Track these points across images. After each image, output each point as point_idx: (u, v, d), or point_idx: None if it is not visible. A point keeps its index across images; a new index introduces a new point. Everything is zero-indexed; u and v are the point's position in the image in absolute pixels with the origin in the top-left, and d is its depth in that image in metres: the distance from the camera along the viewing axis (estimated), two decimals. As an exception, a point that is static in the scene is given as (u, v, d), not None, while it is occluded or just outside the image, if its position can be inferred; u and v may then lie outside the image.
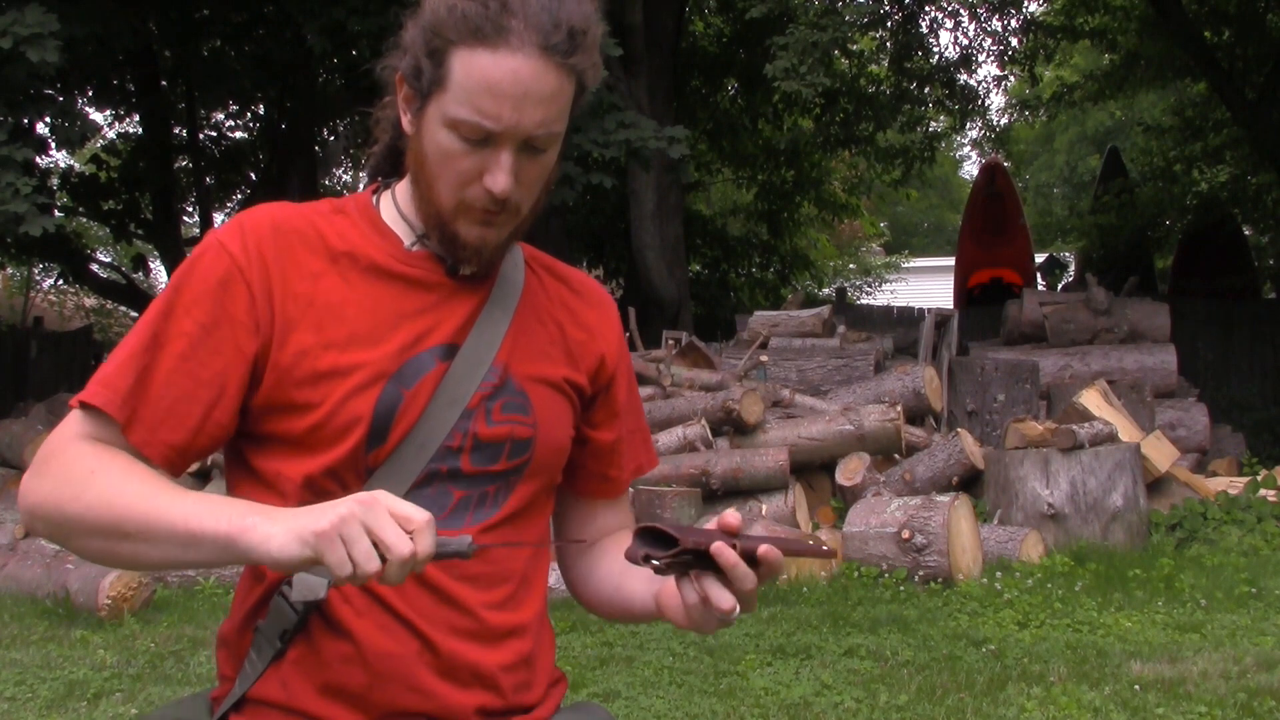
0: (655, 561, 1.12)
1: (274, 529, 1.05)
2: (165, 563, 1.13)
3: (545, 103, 1.18)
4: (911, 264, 25.69)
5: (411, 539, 1.04)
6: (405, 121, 1.25)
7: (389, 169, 1.37)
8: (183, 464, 1.23)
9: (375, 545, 1.03)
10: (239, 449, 1.28)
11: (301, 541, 1.04)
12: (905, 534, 5.58)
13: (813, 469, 7.10)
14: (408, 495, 1.23)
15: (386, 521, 1.04)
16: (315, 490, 1.22)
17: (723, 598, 1.12)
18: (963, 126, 17.11)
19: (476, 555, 1.12)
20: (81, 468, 1.15)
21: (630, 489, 1.50)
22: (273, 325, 1.22)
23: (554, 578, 2.92)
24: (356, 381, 1.22)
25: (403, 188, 1.33)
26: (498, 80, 1.16)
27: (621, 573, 1.34)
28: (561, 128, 1.22)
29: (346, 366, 1.22)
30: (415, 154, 1.24)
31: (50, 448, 1.20)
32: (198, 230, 17.05)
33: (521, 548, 1.28)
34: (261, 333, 1.22)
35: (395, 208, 1.32)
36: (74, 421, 1.21)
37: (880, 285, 23.91)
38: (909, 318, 14.02)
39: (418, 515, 1.05)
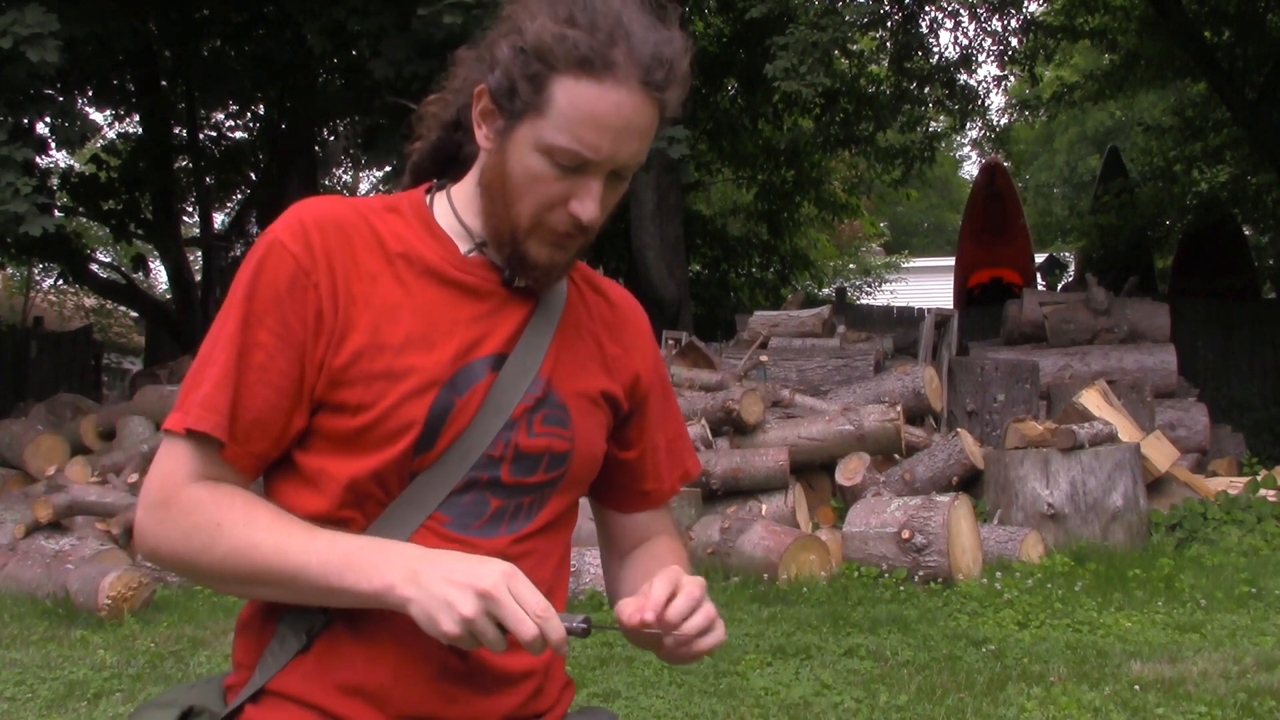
0: None
1: (413, 594, 1.12)
2: (303, 603, 1.21)
3: (641, 136, 1.21)
4: (911, 264, 25.70)
5: (539, 626, 1.10)
6: (481, 135, 1.25)
7: (432, 168, 1.37)
8: (265, 468, 1.26)
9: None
10: None
11: (446, 620, 1.10)
12: (905, 534, 5.58)
13: (813, 469, 7.10)
14: (445, 501, 1.24)
15: (516, 612, 1.10)
16: (357, 491, 1.22)
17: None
18: (963, 126, 17.09)
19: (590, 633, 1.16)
20: (206, 519, 1.19)
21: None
22: (334, 326, 1.22)
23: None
24: (410, 386, 1.22)
25: (460, 192, 1.32)
26: (602, 113, 1.17)
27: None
28: (645, 157, 1.24)
29: (401, 370, 1.22)
30: (494, 170, 1.24)
31: (164, 490, 1.21)
32: (198, 230, 17.05)
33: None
34: (324, 336, 1.22)
35: (452, 212, 1.31)
36: (180, 455, 1.22)
37: (880, 285, 23.92)
38: (909, 318, 14.03)
39: (539, 604, 1.11)
